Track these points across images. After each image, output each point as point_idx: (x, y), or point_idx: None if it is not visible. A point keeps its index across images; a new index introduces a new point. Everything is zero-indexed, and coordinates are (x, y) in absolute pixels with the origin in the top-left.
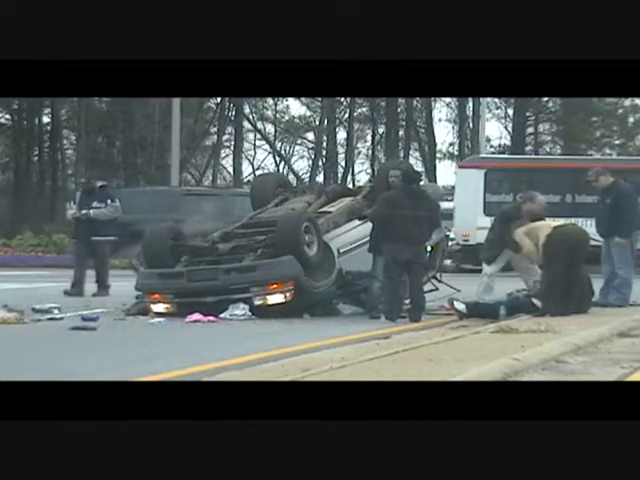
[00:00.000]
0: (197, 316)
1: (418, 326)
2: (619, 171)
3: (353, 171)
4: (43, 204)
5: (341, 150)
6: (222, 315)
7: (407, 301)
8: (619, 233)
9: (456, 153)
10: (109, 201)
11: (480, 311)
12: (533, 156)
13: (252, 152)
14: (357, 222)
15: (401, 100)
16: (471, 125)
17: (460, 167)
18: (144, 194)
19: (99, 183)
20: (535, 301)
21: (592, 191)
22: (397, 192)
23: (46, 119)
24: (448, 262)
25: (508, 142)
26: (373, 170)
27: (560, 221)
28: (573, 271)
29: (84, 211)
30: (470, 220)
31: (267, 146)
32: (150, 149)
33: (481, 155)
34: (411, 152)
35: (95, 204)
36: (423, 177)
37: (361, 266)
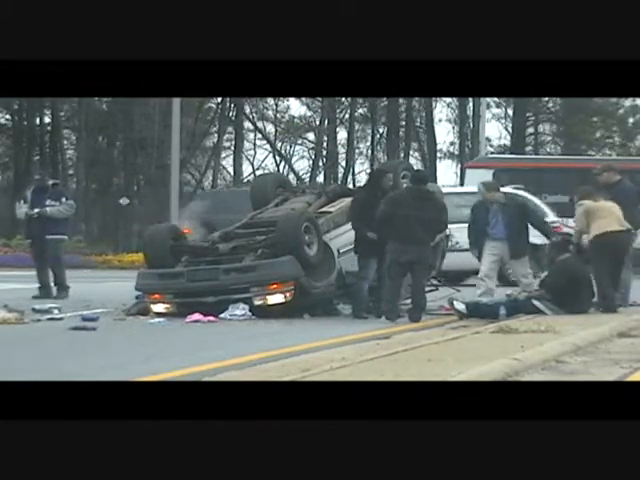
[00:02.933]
0: (197, 316)
1: (418, 326)
2: (628, 171)
3: (353, 171)
4: None
5: (341, 150)
6: (222, 315)
7: (407, 301)
8: None
9: (456, 153)
10: (63, 199)
11: (480, 311)
12: (541, 156)
13: (252, 152)
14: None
15: (401, 100)
16: (471, 125)
17: (468, 167)
18: (225, 195)
19: (51, 181)
20: (536, 303)
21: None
22: (403, 192)
23: (46, 119)
24: None
25: (508, 142)
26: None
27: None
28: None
29: (37, 209)
30: None
31: (267, 146)
32: (150, 149)
33: (489, 155)
34: (411, 152)
35: (49, 202)
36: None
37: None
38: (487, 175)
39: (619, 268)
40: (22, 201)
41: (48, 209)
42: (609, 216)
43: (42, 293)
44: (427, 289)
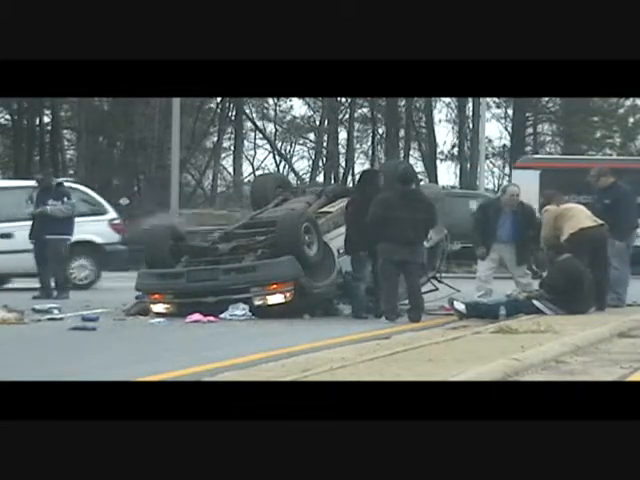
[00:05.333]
0: (197, 316)
1: (418, 326)
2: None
3: (353, 171)
4: None
5: (342, 150)
6: (222, 315)
7: (407, 301)
8: (616, 234)
9: (456, 153)
10: (65, 199)
11: (480, 311)
12: (589, 156)
13: (252, 152)
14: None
15: (402, 100)
16: (471, 125)
17: (515, 167)
18: None
19: (56, 180)
20: (536, 303)
21: None
22: (391, 193)
23: (46, 119)
24: None
25: (508, 142)
26: None
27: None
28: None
29: (39, 209)
30: None
31: (268, 146)
32: (150, 149)
33: (536, 155)
34: (411, 152)
35: (51, 202)
36: (421, 177)
37: None
38: (534, 176)
39: (603, 265)
40: (29, 201)
41: (48, 208)
42: (578, 214)
43: (42, 293)
44: (427, 289)
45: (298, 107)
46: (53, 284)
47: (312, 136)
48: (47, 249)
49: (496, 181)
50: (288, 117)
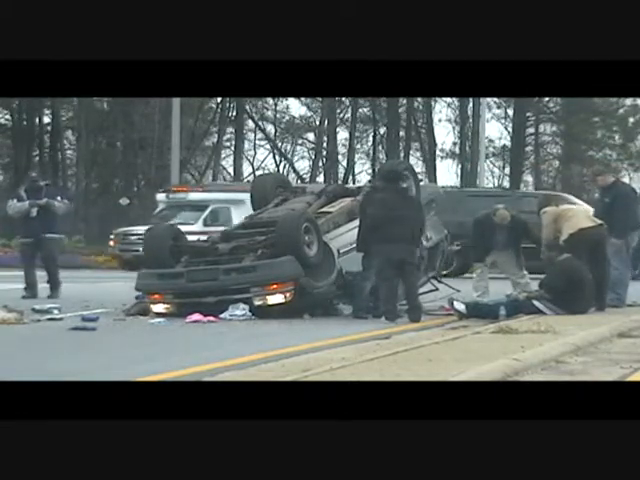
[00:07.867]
0: (197, 316)
1: (418, 326)
2: None
3: (353, 171)
4: None
5: (342, 150)
6: (222, 315)
7: (405, 302)
8: (614, 233)
9: (457, 153)
10: (59, 198)
11: (480, 311)
12: None
13: (252, 152)
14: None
15: (402, 100)
16: (471, 125)
17: None
18: None
19: (43, 182)
20: (536, 303)
21: None
22: (385, 193)
23: (46, 119)
24: None
25: (508, 142)
26: (374, 170)
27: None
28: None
29: (44, 201)
30: None
31: (268, 146)
32: (150, 149)
33: None
34: (412, 152)
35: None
36: (421, 177)
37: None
38: None
39: (602, 265)
40: (15, 199)
41: (56, 202)
42: (577, 215)
43: (29, 293)
44: (427, 289)
45: (297, 108)
46: (47, 284)
47: (312, 136)
48: (44, 248)
49: (496, 181)
50: (287, 117)
